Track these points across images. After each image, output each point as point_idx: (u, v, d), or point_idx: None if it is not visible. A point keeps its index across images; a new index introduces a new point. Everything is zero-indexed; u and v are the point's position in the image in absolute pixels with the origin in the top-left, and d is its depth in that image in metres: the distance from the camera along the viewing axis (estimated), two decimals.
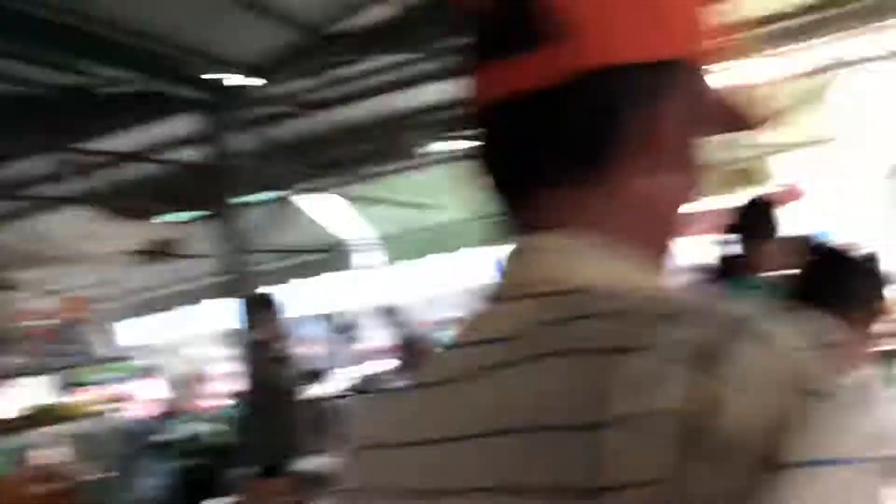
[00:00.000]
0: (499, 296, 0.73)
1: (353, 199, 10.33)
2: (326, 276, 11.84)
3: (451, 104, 6.89)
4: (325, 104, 8.49)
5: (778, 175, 9.61)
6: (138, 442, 4.71)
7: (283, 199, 9.99)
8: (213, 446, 6.09)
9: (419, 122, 8.97)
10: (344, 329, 13.52)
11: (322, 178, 9.79)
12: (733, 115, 0.82)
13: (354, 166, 9.45)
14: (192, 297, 11.84)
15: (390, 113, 8.92)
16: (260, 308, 6.21)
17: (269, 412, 5.50)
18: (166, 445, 6.44)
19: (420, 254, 11.20)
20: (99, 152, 8.59)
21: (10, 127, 7.89)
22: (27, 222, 7.38)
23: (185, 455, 6.16)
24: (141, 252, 9.35)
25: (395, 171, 9.51)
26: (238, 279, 8.14)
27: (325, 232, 10.89)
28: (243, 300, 6.75)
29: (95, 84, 7.36)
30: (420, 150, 9.57)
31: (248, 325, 6.33)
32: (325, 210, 10.56)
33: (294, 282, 12.00)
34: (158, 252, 9.38)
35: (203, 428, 7.19)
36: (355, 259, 11.34)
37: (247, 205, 9.96)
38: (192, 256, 9.48)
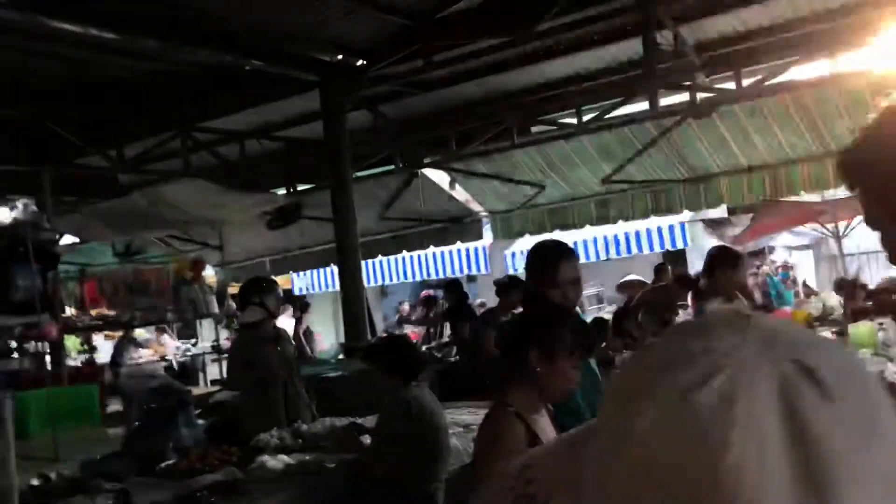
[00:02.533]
0: None
1: (469, 175, 10.63)
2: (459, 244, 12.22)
3: (561, 84, 7.10)
4: (434, 84, 8.88)
5: None
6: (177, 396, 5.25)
7: (410, 172, 10.44)
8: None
9: (529, 102, 9.23)
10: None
11: (436, 154, 10.19)
12: None
13: (466, 143, 9.77)
14: (317, 260, 12.63)
15: (504, 91, 9.23)
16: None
17: None
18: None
19: (533, 230, 11.39)
20: (222, 131, 9.34)
21: (145, 107, 8.78)
22: (157, 190, 8.13)
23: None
24: (271, 217, 9.99)
25: (509, 149, 9.74)
26: (361, 244, 8.68)
27: (458, 203, 11.28)
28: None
29: (221, 68, 8.06)
30: (530, 129, 9.81)
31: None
32: (450, 184, 10.90)
33: (431, 248, 12.53)
34: (282, 217, 9.95)
35: None
36: (481, 231, 11.66)
37: (368, 178, 10.59)
38: (317, 219, 10.03)
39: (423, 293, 13.38)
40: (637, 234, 12.92)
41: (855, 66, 7.49)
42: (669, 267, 9.41)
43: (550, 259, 3.26)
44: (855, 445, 0.46)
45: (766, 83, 7.68)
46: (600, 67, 8.66)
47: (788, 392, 0.48)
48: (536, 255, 3.38)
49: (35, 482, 3.72)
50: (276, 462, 3.91)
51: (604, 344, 6.67)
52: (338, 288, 9.17)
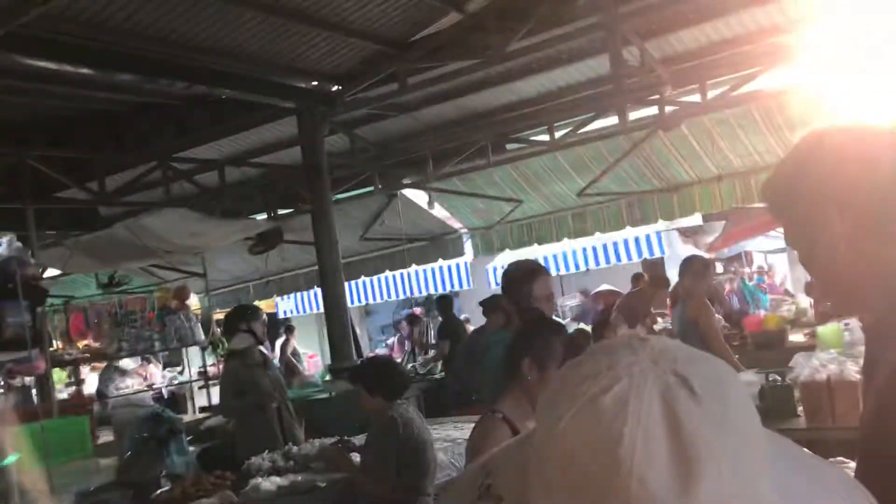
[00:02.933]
0: None
1: (447, 194, 10.80)
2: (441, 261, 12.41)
3: (533, 102, 7.30)
4: (410, 106, 9.07)
5: None
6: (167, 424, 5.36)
7: (388, 193, 10.60)
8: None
9: (503, 120, 9.42)
10: None
11: (414, 175, 10.36)
12: None
13: (443, 163, 9.94)
14: (300, 283, 12.75)
15: (478, 111, 9.42)
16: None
17: None
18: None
19: (512, 245, 11.59)
20: (201, 160, 9.46)
21: (123, 139, 8.90)
22: (138, 221, 8.23)
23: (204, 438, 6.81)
24: (253, 243, 10.10)
25: (485, 167, 9.92)
26: (343, 266, 8.81)
27: (438, 222, 11.46)
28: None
29: (198, 97, 8.20)
30: (505, 147, 10.00)
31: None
32: (429, 203, 11.07)
33: (413, 266, 12.67)
34: (263, 243, 10.07)
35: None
36: (462, 247, 11.84)
37: (348, 200, 10.73)
38: (299, 243, 10.17)
39: (409, 311, 13.51)
40: (615, 245, 13.14)
41: (813, 77, 7.74)
42: (646, 275, 9.63)
43: (525, 279, 3.42)
44: (714, 434, 0.62)
45: (731, 94, 7.91)
46: (571, 84, 8.87)
47: (668, 396, 0.64)
48: (511, 276, 3.53)
49: None
50: (268, 484, 4.02)
51: None
52: (322, 309, 9.27)
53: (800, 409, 3.96)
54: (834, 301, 1.56)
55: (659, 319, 9.30)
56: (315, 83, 8.32)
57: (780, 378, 4.11)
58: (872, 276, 1.39)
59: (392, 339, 15.77)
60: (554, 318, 3.32)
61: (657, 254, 13.15)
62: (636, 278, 9.33)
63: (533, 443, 0.71)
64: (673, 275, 12.42)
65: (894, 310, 1.35)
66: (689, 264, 5.80)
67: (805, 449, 0.86)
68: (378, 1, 6.97)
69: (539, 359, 2.68)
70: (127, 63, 6.90)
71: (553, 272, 14.52)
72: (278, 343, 13.96)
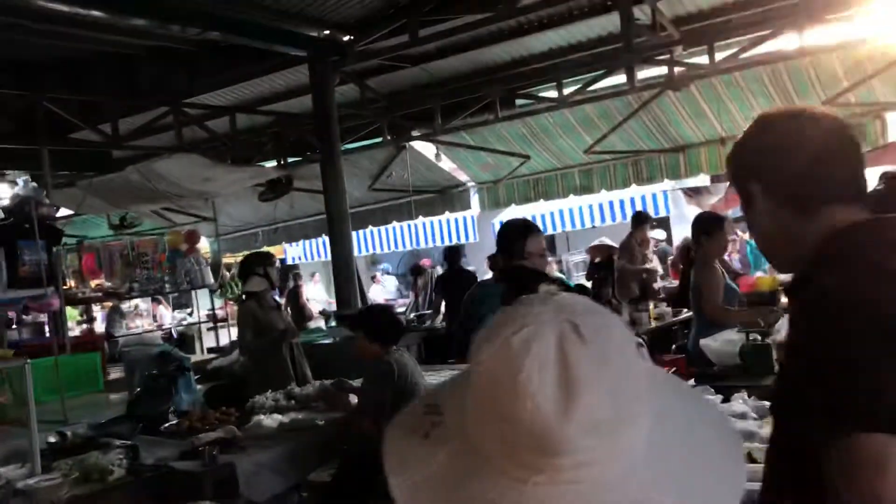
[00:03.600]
0: None
1: (458, 147, 10.88)
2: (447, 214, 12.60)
3: (542, 58, 7.37)
4: (420, 59, 9.12)
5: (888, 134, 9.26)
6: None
7: (396, 145, 10.70)
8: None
9: (512, 75, 9.47)
10: None
11: (423, 127, 10.45)
12: None
13: (452, 116, 10.01)
14: (309, 231, 12.94)
15: (487, 65, 9.47)
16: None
17: None
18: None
19: (519, 200, 11.71)
20: (213, 106, 9.56)
21: (136, 83, 9.00)
22: (150, 165, 8.39)
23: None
24: (263, 190, 10.28)
25: (493, 122, 9.99)
26: (351, 215, 8.97)
27: (446, 174, 11.58)
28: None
29: (208, 44, 8.28)
30: (513, 102, 10.06)
31: None
32: (436, 155, 11.19)
33: (420, 218, 12.84)
34: (273, 190, 10.23)
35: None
36: (469, 201, 11.97)
37: (357, 150, 10.85)
38: (307, 191, 10.33)
39: (416, 263, 13.68)
40: (621, 203, 13.23)
41: (825, 40, 7.75)
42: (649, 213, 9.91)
43: (518, 235, 3.56)
44: (594, 369, 0.80)
45: (740, 56, 7.94)
46: (581, 41, 8.89)
47: (562, 338, 0.81)
48: (506, 233, 3.68)
49: (52, 440, 4.04)
50: (270, 421, 4.24)
51: None
52: (329, 257, 9.45)
53: (777, 367, 4.12)
54: (770, 263, 1.83)
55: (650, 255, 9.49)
56: (327, 32, 8.36)
57: (760, 337, 4.27)
58: (790, 246, 1.64)
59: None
60: (545, 272, 3.46)
61: (662, 213, 13.25)
62: (638, 219, 9.58)
63: (466, 377, 0.89)
64: (679, 234, 12.57)
65: (803, 274, 1.59)
66: (705, 222, 5.57)
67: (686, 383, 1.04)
68: None
69: None
70: (140, 6, 6.99)
71: (559, 229, 14.65)
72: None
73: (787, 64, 8.36)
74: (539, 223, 14.21)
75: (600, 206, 13.47)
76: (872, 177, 9.34)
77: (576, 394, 0.78)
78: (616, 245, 9.77)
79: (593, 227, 13.69)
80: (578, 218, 13.95)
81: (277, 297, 8.28)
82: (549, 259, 14.73)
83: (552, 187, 11.09)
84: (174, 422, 4.57)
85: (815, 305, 1.49)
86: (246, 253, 8.35)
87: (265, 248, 12.10)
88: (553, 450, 0.78)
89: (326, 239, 10.61)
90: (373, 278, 17.17)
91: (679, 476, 0.86)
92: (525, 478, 0.80)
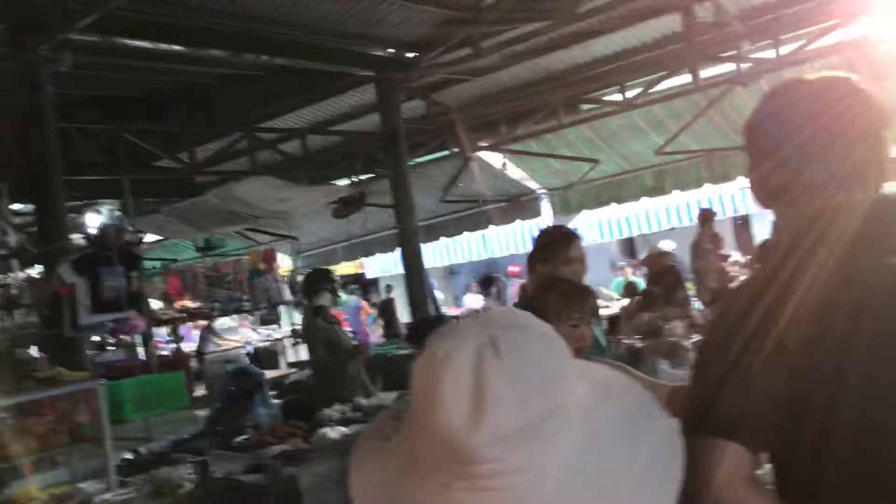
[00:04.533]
0: None
1: (526, 155, 10.91)
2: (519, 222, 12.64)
3: (605, 62, 7.36)
4: (483, 70, 9.19)
5: None
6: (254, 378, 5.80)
7: (465, 156, 10.79)
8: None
9: (576, 81, 9.44)
10: None
11: (490, 137, 10.52)
12: None
13: (517, 124, 10.05)
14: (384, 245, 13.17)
15: (550, 72, 9.47)
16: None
17: None
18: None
19: (590, 205, 11.66)
20: (284, 129, 9.86)
21: (213, 111, 9.38)
22: (227, 188, 8.72)
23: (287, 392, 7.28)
24: (336, 207, 10.52)
25: (558, 129, 9.98)
26: (424, 228, 9.13)
27: (516, 183, 11.64)
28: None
29: (279, 69, 8.56)
30: (579, 107, 10.03)
31: None
32: (506, 164, 11.25)
33: (492, 226, 12.93)
34: (346, 207, 10.46)
35: None
36: (539, 208, 11.98)
37: (427, 163, 11.00)
38: (380, 206, 10.53)
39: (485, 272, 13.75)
40: (698, 203, 12.94)
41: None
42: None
43: (559, 242, 3.58)
44: (506, 383, 0.84)
45: (806, 48, 7.72)
46: (646, 42, 8.79)
47: (480, 352, 0.86)
48: (547, 239, 3.69)
49: (128, 456, 4.28)
50: (334, 433, 4.37)
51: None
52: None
53: None
54: None
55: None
56: (392, 51, 8.54)
57: None
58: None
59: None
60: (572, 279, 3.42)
61: (741, 211, 12.93)
62: (704, 216, 9.43)
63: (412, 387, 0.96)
64: (760, 232, 12.24)
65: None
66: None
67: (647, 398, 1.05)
68: None
69: (540, 315, 2.83)
70: (216, 39, 7.31)
71: (635, 232, 14.46)
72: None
73: (861, 51, 8.07)
74: (614, 227, 14.13)
75: (677, 208, 13.23)
76: None
77: (486, 407, 0.84)
78: (672, 251, 9.62)
79: (671, 228, 13.46)
80: (655, 220, 13.73)
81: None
82: (625, 264, 14.53)
83: (624, 190, 10.98)
84: (247, 436, 4.75)
85: None
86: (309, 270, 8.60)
87: (343, 263, 12.37)
88: (465, 458, 0.85)
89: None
90: (468, 287, 17.05)
91: (604, 491, 0.89)
92: (448, 483, 0.86)
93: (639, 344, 5.24)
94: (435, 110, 9.87)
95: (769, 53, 8.07)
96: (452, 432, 0.85)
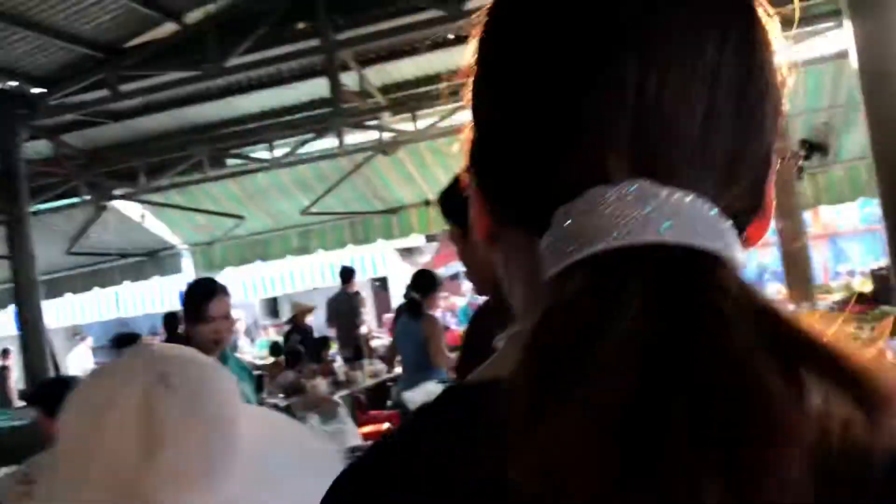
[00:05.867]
0: None
1: (167, 207, 10.40)
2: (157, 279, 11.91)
3: (253, 118, 7.27)
4: (123, 114, 8.66)
5: None
6: None
7: (97, 205, 9.94)
8: None
9: (223, 135, 9.29)
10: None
11: (127, 186, 9.87)
12: None
13: (158, 175, 9.57)
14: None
15: (196, 123, 9.20)
16: None
17: None
18: None
19: (235, 262, 11.44)
20: None
21: None
22: None
23: None
24: None
25: (202, 182, 9.70)
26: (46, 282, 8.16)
27: (155, 236, 10.94)
28: None
29: None
30: (225, 162, 9.85)
31: None
32: (145, 216, 10.59)
33: (126, 283, 12.00)
34: None
35: None
36: (180, 264, 11.42)
37: (49, 210, 9.94)
38: None
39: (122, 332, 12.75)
40: (341, 264, 13.41)
41: None
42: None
43: (202, 297, 3.44)
44: (180, 417, 0.78)
45: (438, 124, 8.47)
46: (295, 103, 8.98)
47: (148, 388, 0.78)
48: (188, 295, 3.54)
49: None
50: None
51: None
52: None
53: None
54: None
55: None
56: (14, 83, 7.70)
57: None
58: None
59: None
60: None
61: (381, 272, 13.63)
62: (345, 274, 9.87)
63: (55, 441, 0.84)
64: (396, 292, 12.99)
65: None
66: (420, 278, 5.91)
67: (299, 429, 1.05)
68: (87, 3, 6.62)
69: None
70: None
71: (279, 290, 14.51)
72: None
73: None
74: (258, 285, 14.03)
75: (321, 267, 13.55)
76: None
77: (159, 442, 0.78)
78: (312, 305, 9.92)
79: (314, 288, 13.72)
80: (300, 279, 13.91)
81: None
82: (269, 324, 14.48)
83: (270, 248, 10.97)
84: None
85: None
86: None
87: None
88: (140, 500, 0.77)
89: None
90: (77, 336, 15.54)
91: None
92: None
93: (283, 402, 5.17)
94: (63, 152, 9.03)
95: (409, 126, 8.69)
96: (124, 474, 0.76)
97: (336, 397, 6.43)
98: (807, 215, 8.90)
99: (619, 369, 0.41)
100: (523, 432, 0.42)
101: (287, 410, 3.89)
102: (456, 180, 1.88)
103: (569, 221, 0.47)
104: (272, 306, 17.57)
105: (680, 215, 0.45)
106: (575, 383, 0.42)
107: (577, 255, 0.46)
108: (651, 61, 0.48)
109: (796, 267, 7.24)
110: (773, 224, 0.57)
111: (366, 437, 4.12)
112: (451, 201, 1.78)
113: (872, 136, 4.95)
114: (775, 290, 12.85)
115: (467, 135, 0.60)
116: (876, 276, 7.10)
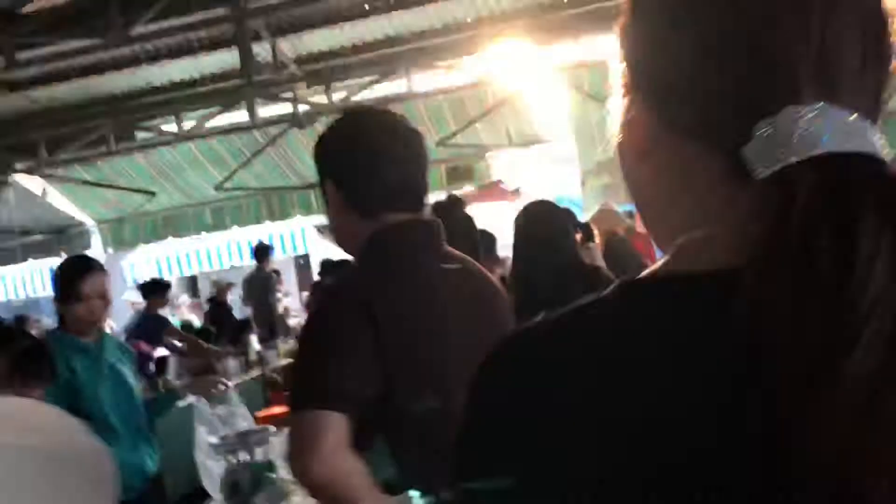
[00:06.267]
0: None
1: (73, 182, 9.96)
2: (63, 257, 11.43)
3: (162, 90, 6.96)
4: (20, 85, 8.21)
5: (492, 173, 10.24)
6: None
7: None
8: None
9: (130, 107, 8.89)
10: None
11: (29, 160, 9.39)
12: None
13: (62, 148, 9.13)
14: None
15: (101, 95, 8.78)
16: None
17: None
18: None
19: (147, 239, 11.07)
20: None
21: None
22: None
23: None
24: None
25: (108, 155, 9.29)
26: None
27: (60, 213, 10.46)
28: None
29: None
30: (136, 134, 9.46)
31: None
32: (47, 191, 10.12)
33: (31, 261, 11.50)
34: None
35: None
36: (89, 241, 10.98)
37: None
38: None
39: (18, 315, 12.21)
40: (259, 240, 13.11)
41: (434, 85, 8.45)
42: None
43: (74, 275, 3.27)
44: None
45: (352, 98, 8.30)
46: (204, 75, 8.65)
47: None
48: (62, 271, 3.36)
49: None
50: None
51: None
52: None
53: None
54: None
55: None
56: None
57: None
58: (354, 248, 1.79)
59: None
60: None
61: (302, 250, 13.39)
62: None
63: None
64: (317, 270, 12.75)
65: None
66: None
67: None
68: None
69: None
70: None
71: (196, 269, 14.10)
72: None
73: (404, 106, 8.89)
74: (174, 263, 13.65)
75: (237, 244, 13.22)
76: (485, 214, 10.16)
77: None
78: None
79: (231, 267, 13.40)
80: (217, 257, 13.56)
81: None
82: (183, 303, 14.10)
83: (182, 224, 10.62)
84: None
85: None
86: None
87: None
88: None
89: None
90: None
91: None
92: None
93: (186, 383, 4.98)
94: None
95: (324, 98, 8.48)
96: None
97: (250, 378, 6.29)
98: None
99: (874, 262, 0.52)
100: (793, 310, 0.52)
101: (174, 395, 3.73)
102: (334, 131, 1.82)
103: (770, 131, 0.58)
104: (192, 285, 17.12)
105: (856, 131, 0.58)
106: (836, 272, 0.52)
107: (794, 158, 0.57)
108: (829, 9, 0.61)
109: None
110: None
111: (276, 417, 4.00)
112: (332, 154, 1.71)
113: None
114: None
115: (634, 64, 0.70)
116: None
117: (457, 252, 1.87)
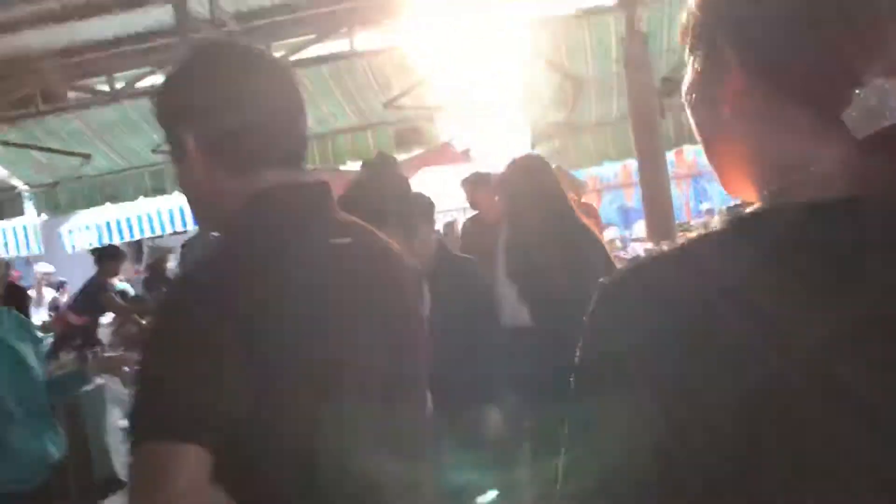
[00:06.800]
0: None
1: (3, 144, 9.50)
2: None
3: (90, 49, 6.58)
4: None
5: (443, 135, 9.97)
6: None
7: None
8: None
9: (58, 66, 8.44)
10: None
11: None
12: None
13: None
14: None
15: (25, 54, 8.32)
16: None
17: None
18: None
19: (83, 204, 10.67)
20: None
21: None
22: None
23: None
24: None
25: (34, 116, 8.85)
26: None
27: None
28: None
29: None
30: (65, 95, 9.02)
31: None
32: None
33: None
34: None
35: None
36: (21, 206, 10.54)
37: None
38: None
39: None
40: None
41: (376, 45, 8.14)
42: None
43: None
44: None
45: (293, 57, 7.98)
46: (139, 32, 8.23)
47: None
48: None
49: None
50: None
51: None
52: None
53: None
54: (198, 224, 1.81)
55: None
56: None
57: None
58: (219, 208, 1.46)
59: None
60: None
61: None
62: None
63: None
64: None
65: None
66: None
67: None
68: None
69: None
70: None
71: (137, 234, 13.65)
72: None
73: (348, 64, 8.59)
74: (115, 229, 13.21)
75: (181, 210, 12.83)
76: (429, 177, 9.96)
77: None
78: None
79: (174, 232, 13.01)
80: (159, 222, 13.15)
81: None
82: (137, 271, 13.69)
83: (121, 189, 10.21)
84: None
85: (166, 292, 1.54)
86: None
87: None
88: None
89: None
90: None
91: None
92: None
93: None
94: None
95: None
96: None
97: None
98: (670, 155, 8.95)
99: None
100: None
101: (80, 374, 3.47)
102: (185, 69, 1.48)
103: (864, 96, 0.69)
104: (136, 252, 16.63)
105: None
106: None
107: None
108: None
109: (657, 206, 7.25)
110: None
111: None
112: (186, 96, 1.42)
113: None
114: (639, 228, 13.12)
115: (727, 22, 0.79)
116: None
117: (353, 220, 1.55)
